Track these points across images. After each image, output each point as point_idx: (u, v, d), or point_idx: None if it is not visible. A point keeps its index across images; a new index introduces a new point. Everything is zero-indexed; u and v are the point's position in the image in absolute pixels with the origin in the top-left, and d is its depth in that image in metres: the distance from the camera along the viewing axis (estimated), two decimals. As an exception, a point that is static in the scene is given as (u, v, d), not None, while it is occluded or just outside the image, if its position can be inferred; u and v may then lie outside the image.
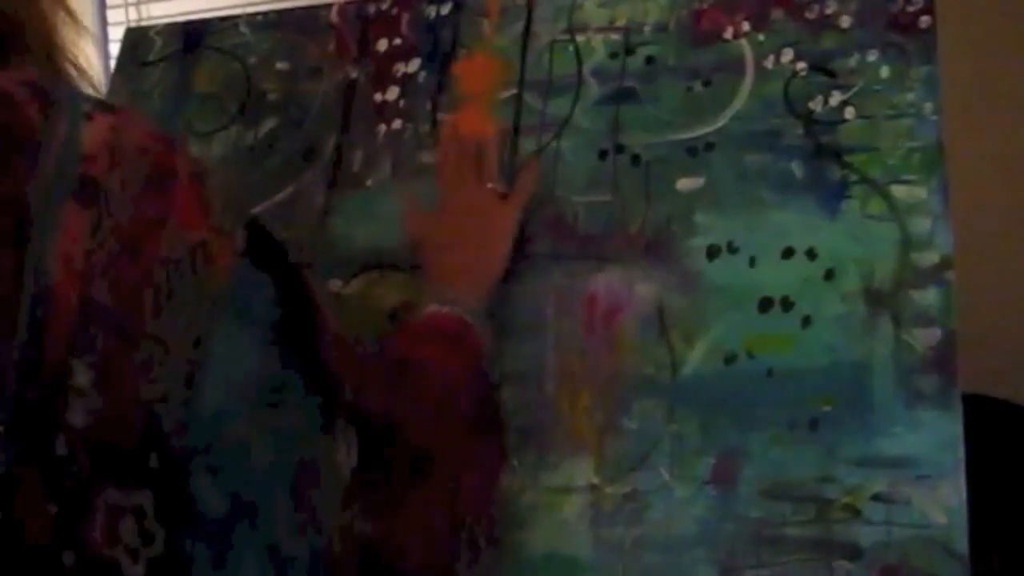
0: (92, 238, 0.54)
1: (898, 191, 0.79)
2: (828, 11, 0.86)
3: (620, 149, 0.88)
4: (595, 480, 0.79)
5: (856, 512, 0.72)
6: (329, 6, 1.03)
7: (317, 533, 0.61)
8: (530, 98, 0.92)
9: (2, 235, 0.52)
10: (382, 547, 0.64)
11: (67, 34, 0.65)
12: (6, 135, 0.54)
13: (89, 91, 0.63)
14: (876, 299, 0.77)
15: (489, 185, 0.86)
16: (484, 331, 0.78)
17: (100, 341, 0.53)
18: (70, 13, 0.65)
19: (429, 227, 0.85)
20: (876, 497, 0.72)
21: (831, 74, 0.84)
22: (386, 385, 0.68)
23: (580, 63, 0.92)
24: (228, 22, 1.07)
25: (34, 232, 0.53)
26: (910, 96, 0.81)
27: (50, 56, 0.63)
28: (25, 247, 0.52)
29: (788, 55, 0.86)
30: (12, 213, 0.53)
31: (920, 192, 0.79)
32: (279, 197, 0.97)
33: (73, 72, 0.65)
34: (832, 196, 0.80)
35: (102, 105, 0.59)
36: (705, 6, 0.90)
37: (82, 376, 0.53)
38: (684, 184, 0.85)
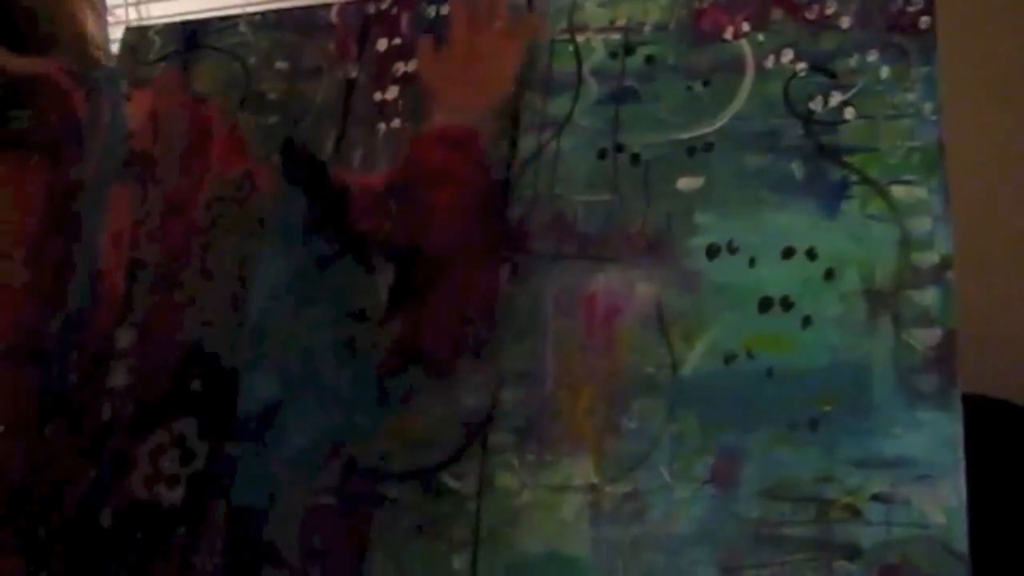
0: (141, 208, 0.56)
1: (898, 191, 0.79)
2: (828, 11, 0.86)
3: (620, 148, 0.88)
4: (595, 480, 0.79)
5: (856, 512, 0.72)
6: (329, 6, 1.03)
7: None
8: (530, 97, 0.92)
9: (52, 222, 0.54)
10: (408, 340, 0.77)
11: (92, 24, 0.66)
12: (57, 124, 0.56)
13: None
14: (876, 299, 0.77)
15: (497, 24, 0.91)
16: (492, 133, 0.85)
17: (145, 300, 0.56)
18: (93, 5, 0.68)
19: (438, 62, 0.92)
20: (876, 497, 0.72)
21: (831, 74, 0.84)
22: (410, 213, 0.78)
23: (580, 63, 0.92)
24: (228, 22, 1.07)
25: (85, 217, 0.55)
26: (910, 96, 0.81)
27: (80, 46, 0.65)
28: (74, 233, 0.55)
29: (788, 55, 0.86)
30: (62, 201, 0.55)
31: (920, 192, 0.79)
32: (279, 197, 0.97)
33: (103, 58, 0.67)
34: (832, 196, 0.80)
35: (138, 81, 0.62)
36: (705, 6, 0.90)
37: (124, 340, 0.55)
38: (684, 184, 0.85)
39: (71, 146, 0.56)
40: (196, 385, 0.60)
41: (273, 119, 1.00)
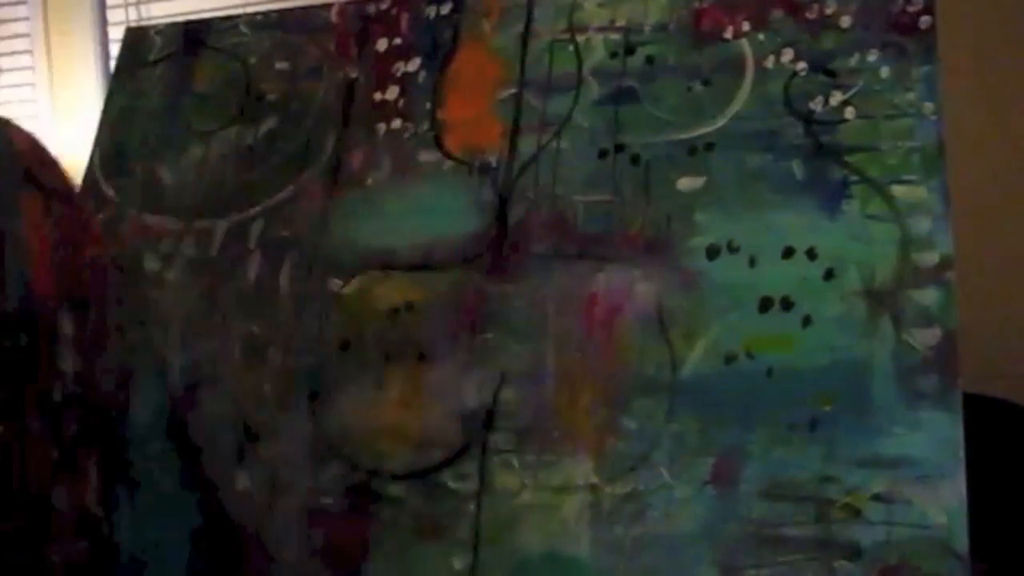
0: (47, 219, 0.57)
1: (898, 191, 0.79)
2: (828, 11, 0.86)
3: (620, 148, 0.88)
4: (595, 480, 0.79)
5: (856, 512, 0.72)
6: (329, 6, 1.03)
7: None
8: (530, 97, 0.92)
9: None
10: None
11: None
12: None
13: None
14: (876, 299, 0.77)
15: None
16: None
17: (72, 322, 0.57)
18: None
19: None
20: (876, 497, 0.72)
21: (831, 74, 0.84)
22: None
23: (580, 63, 0.92)
24: (228, 22, 1.07)
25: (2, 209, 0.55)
26: (910, 96, 0.81)
27: None
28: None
29: (788, 55, 0.86)
30: None
31: (920, 192, 0.79)
32: (279, 197, 0.97)
33: None
34: (832, 196, 0.80)
35: (10, 120, 0.63)
36: (705, 6, 0.90)
37: (67, 327, 0.56)
38: (684, 184, 0.85)
39: None
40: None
41: (271, 122, 1.00)
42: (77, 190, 0.65)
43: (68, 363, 0.58)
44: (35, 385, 0.57)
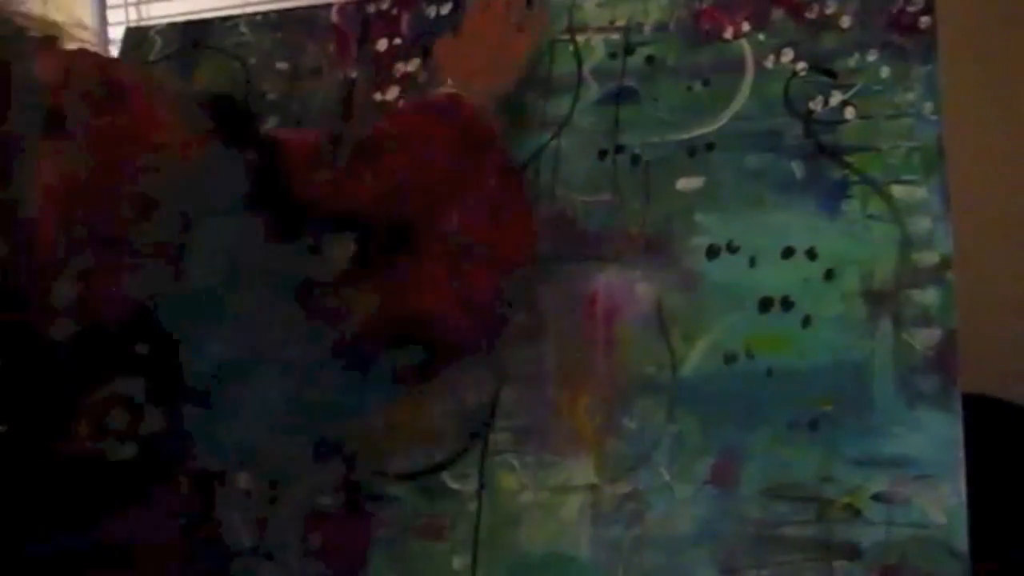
0: (67, 163, 0.56)
1: (898, 191, 0.79)
2: (828, 11, 0.86)
3: (620, 149, 0.88)
4: (595, 480, 0.79)
5: (856, 512, 0.72)
6: (329, 6, 1.03)
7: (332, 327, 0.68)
8: (530, 97, 0.92)
9: None
10: (413, 323, 0.72)
11: None
12: None
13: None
14: (876, 299, 0.77)
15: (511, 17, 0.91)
16: (488, 113, 0.82)
17: (86, 257, 0.56)
18: None
19: (451, 47, 0.90)
20: (876, 497, 0.72)
21: (831, 74, 0.84)
22: (371, 176, 0.73)
23: (580, 63, 0.92)
24: (228, 22, 1.07)
25: (15, 167, 0.55)
26: (910, 96, 0.81)
27: None
28: (8, 182, 0.54)
29: (788, 55, 0.86)
30: None
31: (920, 192, 0.79)
32: (279, 197, 0.97)
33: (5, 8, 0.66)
34: (832, 196, 0.80)
35: (51, 39, 0.61)
36: (705, 6, 0.90)
37: (66, 293, 0.55)
38: (684, 184, 0.85)
39: None
40: (142, 348, 0.60)
41: (271, 122, 1.00)
42: (137, 85, 0.62)
43: (60, 331, 0.57)
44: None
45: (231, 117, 0.66)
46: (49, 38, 0.61)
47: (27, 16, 0.65)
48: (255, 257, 0.64)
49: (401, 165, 0.75)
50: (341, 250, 0.69)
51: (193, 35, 1.08)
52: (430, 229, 0.75)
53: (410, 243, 0.74)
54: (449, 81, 0.84)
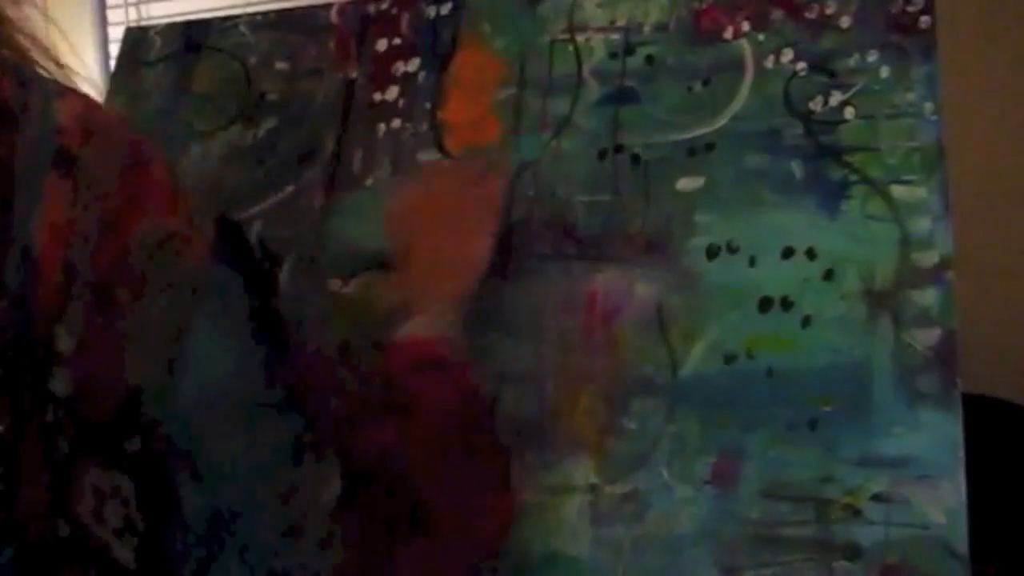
0: (73, 208, 0.54)
1: (898, 191, 0.79)
2: (828, 11, 0.86)
3: (620, 149, 0.88)
4: (595, 480, 0.79)
5: (856, 512, 0.72)
6: (329, 6, 1.03)
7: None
8: (530, 98, 0.92)
9: None
10: None
11: (11, 6, 0.63)
12: None
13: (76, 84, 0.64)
14: (876, 299, 0.77)
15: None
16: (463, 342, 0.74)
17: (82, 311, 0.54)
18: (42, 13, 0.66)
19: (405, 221, 0.84)
20: (876, 497, 0.72)
21: (831, 74, 0.84)
22: (374, 421, 0.66)
23: (580, 63, 0.92)
24: (228, 22, 1.07)
25: (18, 199, 0.53)
26: (910, 96, 0.81)
27: (16, 45, 0.63)
28: (10, 211, 0.53)
29: (788, 55, 0.86)
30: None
31: (920, 192, 0.78)
32: (279, 197, 0.97)
33: (26, 43, 0.64)
34: (832, 196, 0.80)
35: (70, 88, 0.60)
36: (705, 6, 0.90)
37: (64, 343, 0.53)
38: (684, 184, 0.85)
39: (3, 131, 0.55)
40: (133, 444, 0.56)
41: (271, 122, 1.00)
42: (151, 153, 0.58)
43: (60, 384, 0.54)
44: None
45: (236, 244, 0.62)
46: (69, 88, 0.60)
47: (44, 62, 0.64)
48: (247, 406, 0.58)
49: (401, 432, 0.67)
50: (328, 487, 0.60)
51: (193, 35, 1.08)
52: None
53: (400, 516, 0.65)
54: (412, 299, 0.76)
